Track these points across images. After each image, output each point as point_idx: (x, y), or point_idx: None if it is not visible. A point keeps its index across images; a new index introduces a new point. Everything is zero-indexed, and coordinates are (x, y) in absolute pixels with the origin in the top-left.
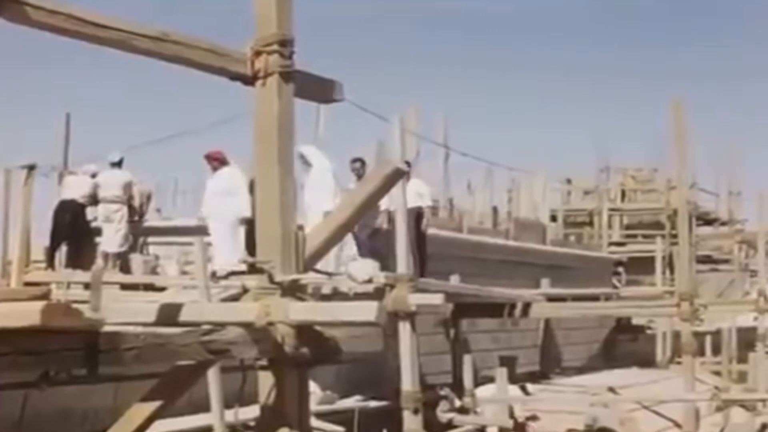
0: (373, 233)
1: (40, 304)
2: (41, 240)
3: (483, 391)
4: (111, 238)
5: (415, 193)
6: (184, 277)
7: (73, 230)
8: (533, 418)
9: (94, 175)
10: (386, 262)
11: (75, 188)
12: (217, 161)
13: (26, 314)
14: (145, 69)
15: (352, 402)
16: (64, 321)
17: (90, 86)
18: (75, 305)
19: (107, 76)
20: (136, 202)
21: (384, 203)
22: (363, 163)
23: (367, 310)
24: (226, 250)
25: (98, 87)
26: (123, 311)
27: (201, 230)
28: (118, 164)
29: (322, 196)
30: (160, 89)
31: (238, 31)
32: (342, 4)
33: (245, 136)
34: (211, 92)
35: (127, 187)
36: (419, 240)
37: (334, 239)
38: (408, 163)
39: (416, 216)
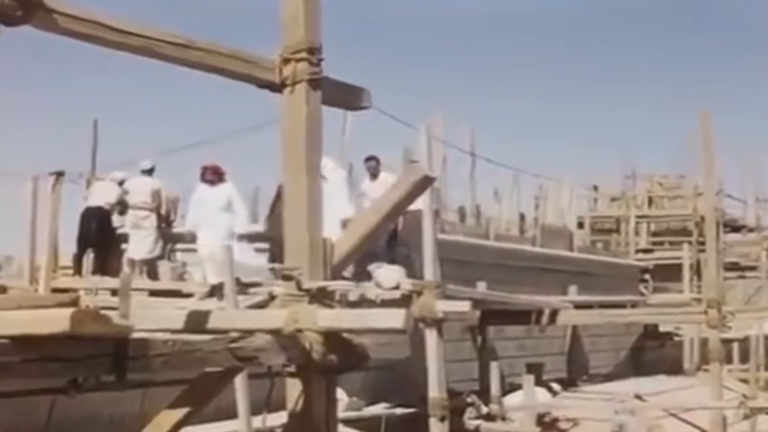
0: (390, 238)
1: (69, 311)
2: (69, 246)
3: (511, 399)
4: (138, 245)
5: None
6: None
7: (99, 237)
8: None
9: (121, 182)
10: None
11: (102, 195)
12: (215, 175)
13: (55, 320)
14: (172, 75)
15: (379, 409)
16: (94, 327)
17: (118, 93)
18: (104, 312)
19: (135, 83)
20: (164, 210)
21: None
22: (377, 161)
23: (394, 318)
24: (216, 267)
25: (126, 94)
26: (151, 318)
27: (253, 237)
28: (148, 172)
29: (338, 207)
30: (186, 96)
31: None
32: (368, 8)
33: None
34: (239, 99)
35: (156, 194)
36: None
37: (361, 246)
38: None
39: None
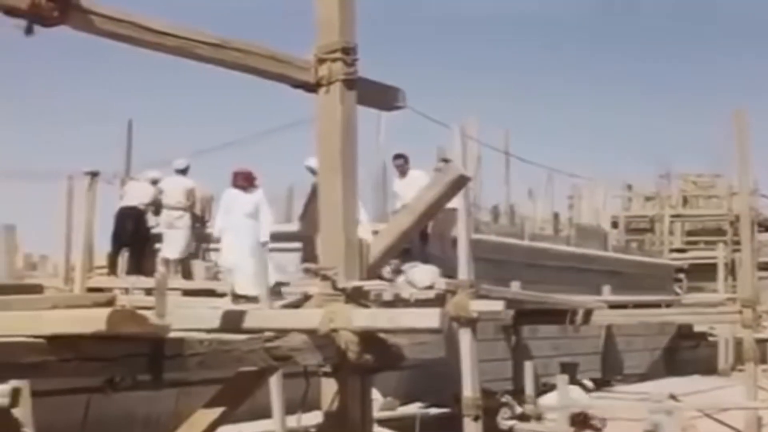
0: (422, 237)
1: (106, 311)
2: (104, 246)
3: (545, 399)
4: (173, 245)
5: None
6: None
7: (134, 236)
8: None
9: (155, 182)
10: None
11: (136, 194)
12: (247, 181)
13: (92, 320)
14: (206, 75)
15: (413, 408)
16: (130, 327)
17: (153, 93)
18: (140, 311)
19: (169, 83)
20: (198, 209)
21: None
22: (405, 159)
23: (430, 317)
24: (247, 271)
25: (161, 94)
26: (187, 317)
27: (288, 236)
28: (183, 172)
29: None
30: (221, 96)
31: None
32: (402, 8)
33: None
34: (273, 99)
35: (190, 194)
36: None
37: (396, 246)
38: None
39: None
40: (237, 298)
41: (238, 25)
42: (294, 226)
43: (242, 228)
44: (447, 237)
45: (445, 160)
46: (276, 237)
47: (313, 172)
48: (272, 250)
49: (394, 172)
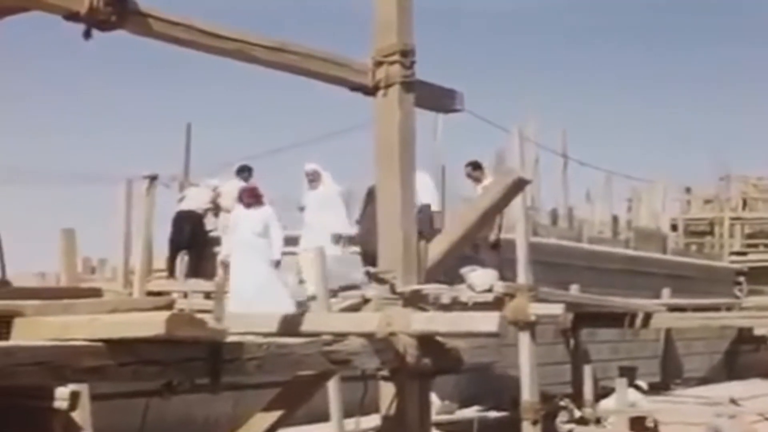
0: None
1: (165, 314)
2: (162, 249)
3: (605, 403)
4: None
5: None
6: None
7: (192, 240)
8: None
9: (215, 189)
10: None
11: (195, 199)
12: (253, 198)
13: (151, 324)
14: (265, 79)
15: (471, 412)
16: (189, 331)
17: (211, 96)
18: (198, 315)
19: (228, 86)
20: None
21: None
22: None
23: (489, 321)
24: (249, 297)
25: (219, 97)
26: (245, 321)
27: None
28: (244, 175)
29: (334, 219)
30: (279, 99)
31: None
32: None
33: (364, 145)
34: (332, 102)
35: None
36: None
37: (454, 250)
38: None
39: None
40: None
41: (294, 28)
42: (352, 230)
43: (252, 247)
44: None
45: (474, 164)
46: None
47: (310, 176)
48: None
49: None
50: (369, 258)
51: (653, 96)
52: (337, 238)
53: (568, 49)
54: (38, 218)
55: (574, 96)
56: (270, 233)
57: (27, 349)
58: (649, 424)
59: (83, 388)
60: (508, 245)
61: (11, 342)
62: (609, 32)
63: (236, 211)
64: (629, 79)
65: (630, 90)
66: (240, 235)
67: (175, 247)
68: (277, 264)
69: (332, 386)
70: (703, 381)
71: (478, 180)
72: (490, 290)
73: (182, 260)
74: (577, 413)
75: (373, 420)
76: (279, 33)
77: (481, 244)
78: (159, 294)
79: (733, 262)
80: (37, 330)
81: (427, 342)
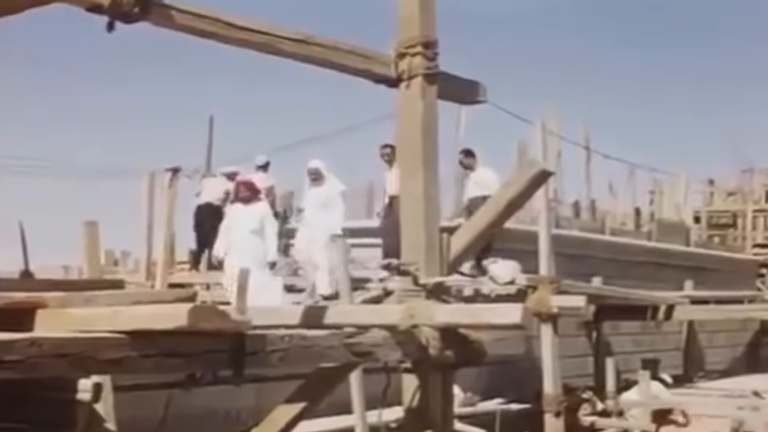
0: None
1: (187, 306)
2: (185, 242)
3: (627, 395)
4: None
5: (478, 183)
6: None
7: (212, 232)
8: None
9: (232, 176)
10: None
11: (212, 191)
12: (250, 191)
13: (174, 316)
14: (288, 71)
15: (493, 404)
16: (212, 323)
17: (233, 89)
18: (221, 307)
19: (251, 78)
20: (278, 206)
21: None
22: (393, 149)
23: (512, 313)
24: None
25: (241, 90)
26: (268, 313)
27: (362, 232)
28: (263, 168)
29: (335, 220)
30: (302, 92)
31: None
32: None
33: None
34: (355, 94)
35: (270, 190)
36: None
37: (478, 242)
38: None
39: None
40: None
41: (314, 20)
42: (374, 223)
43: (246, 246)
44: None
45: (467, 152)
46: (356, 233)
47: (313, 174)
48: (353, 246)
49: (382, 163)
50: (391, 250)
51: (677, 89)
52: (335, 239)
53: (590, 44)
54: (61, 211)
55: (596, 89)
56: (265, 231)
57: (50, 341)
58: (678, 416)
59: (106, 380)
60: (530, 236)
61: (35, 333)
62: (631, 27)
63: (232, 208)
64: (652, 72)
65: (653, 82)
66: (236, 235)
67: (198, 240)
68: (273, 266)
69: (354, 378)
70: (726, 373)
71: (470, 168)
72: (512, 282)
73: (205, 253)
74: (600, 406)
75: (396, 412)
76: (298, 25)
77: None
78: (181, 286)
79: (756, 254)
80: (60, 321)
81: (450, 334)
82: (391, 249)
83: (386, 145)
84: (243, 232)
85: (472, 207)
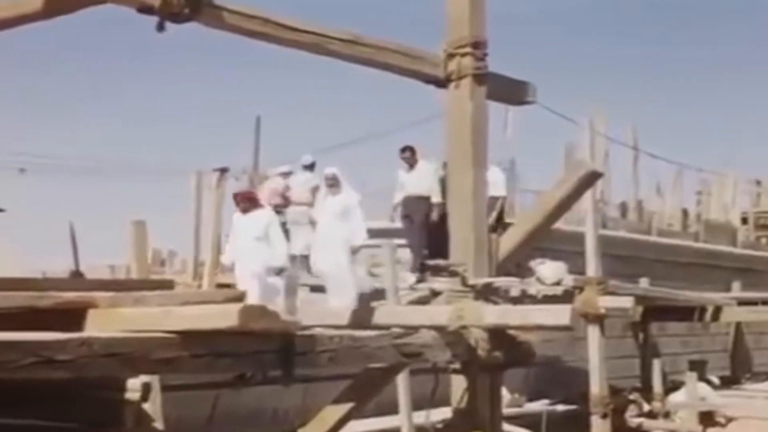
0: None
1: (237, 307)
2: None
3: (675, 397)
4: (298, 241)
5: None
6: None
7: None
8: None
9: (286, 175)
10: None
11: (264, 193)
12: (248, 202)
13: (224, 316)
14: (336, 71)
15: (540, 405)
16: (262, 323)
17: (281, 90)
18: (271, 308)
19: (297, 78)
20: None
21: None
22: (413, 151)
23: (560, 314)
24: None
25: (289, 90)
26: (317, 314)
27: (390, 233)
28: (309, 167)
29: (356, 230)
30: (350, 92)
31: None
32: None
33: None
34: (403, 93)
35: (315, 190)
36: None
37: (527, 243)
38: None
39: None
40: None
41: (363, 20)
42: (396, 224)
43: (252, 254)
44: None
45: (405, 148)
46: (386, 233)
47: (330, 181)
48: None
49: (401, 164)
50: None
51: (724, 89)
52: (355, 250)
53: (639, 43)
54: (109, 210)
55: (645, 90)
56: (270, 237)
57: (101, 341)
58: (719, 419)
59: (154, 380)
60: (576, 237)
61: (85, 333)
62: (679, 25)
63: (234, 219)
64: (701, 72)
65: (701, 84)
66: (241, 243)
67: None
68: (280, 272)
69: (402, 379)
70: None
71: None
72: (559, 283)
73: None
74: (647, 407)
75: (443, 413)
76: (346, 25)
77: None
78: (228, 286)
79: None
80: (110, 321)
81: (498, 335)
82: (417, 250)
83: (406, 148)
84: (247, 240)
85: None
